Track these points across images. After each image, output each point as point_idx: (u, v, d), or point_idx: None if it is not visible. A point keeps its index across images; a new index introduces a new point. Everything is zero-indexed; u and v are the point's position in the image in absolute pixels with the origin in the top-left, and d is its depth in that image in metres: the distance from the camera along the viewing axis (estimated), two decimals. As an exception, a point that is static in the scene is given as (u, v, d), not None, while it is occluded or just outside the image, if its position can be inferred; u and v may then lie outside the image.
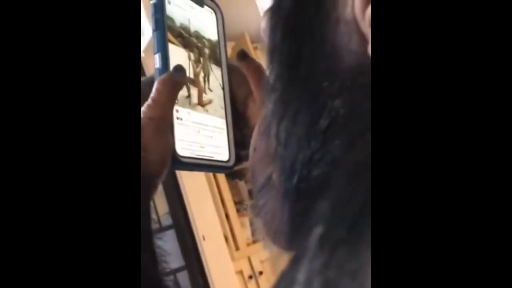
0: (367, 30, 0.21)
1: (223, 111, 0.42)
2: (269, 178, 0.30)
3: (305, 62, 0.24)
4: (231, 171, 0.42)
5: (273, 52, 0.26)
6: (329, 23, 0.23)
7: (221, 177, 1.38)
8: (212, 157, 0.39)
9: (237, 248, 1.40)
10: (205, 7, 0.42)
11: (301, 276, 0.17)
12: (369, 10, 0.21)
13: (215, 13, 0.43)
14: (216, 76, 0.42)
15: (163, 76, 0.35)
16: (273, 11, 0.25)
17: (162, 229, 1.27)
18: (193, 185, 1.27)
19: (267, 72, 0.26)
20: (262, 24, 0.27)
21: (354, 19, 0.22)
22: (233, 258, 1.35)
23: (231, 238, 1.37)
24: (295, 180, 0.24)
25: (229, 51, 1.42)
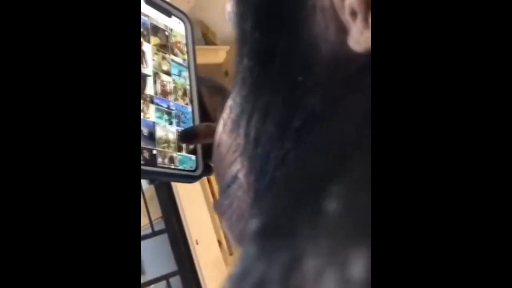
0: (346, 18, 0.20)
1: (190, 120, 0.41)
2: (235, 177, 0.28)
3: (278, 54, 0.22)
4: (198, 180, 0.41)
5: (242, 42, 0.23)
6: (304, 10, 0.21)
7: (215, 181, 1.37)
8: (177, 166, 0.39)
9: (230, 253, 1.39)
10: (173, 17, 0.43)
11: (238, 269, 0.16)
12: None
13: (184, 23, 0.44)
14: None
15: None
16: None
17: (155, 233, 1.26)
18: (186, 190, 1.26)
19: (236, 63, 0.24)
20: (228, 7, 0.25)
21: (332, 6, 0.20)
22: (226, 263, 1.34)
23: (224, 242, 1.37)
24: (267, 181, 0.23)
25: (224, 55, 1.42)
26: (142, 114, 0.37)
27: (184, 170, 0.39)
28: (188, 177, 0.40)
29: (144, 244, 1.37)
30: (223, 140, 0.30)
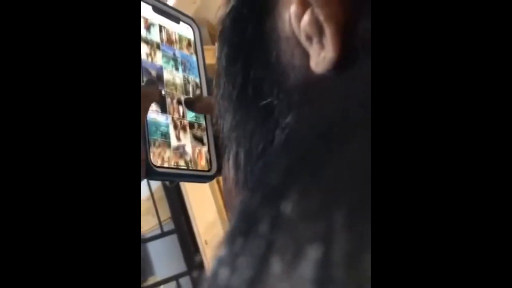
0: (306, 42, 0.22)
1: (203, 121, 0.43)
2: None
3: (250, 83, 0.24)
4: (212, 180, 0.42)
5: (220, 67, 0.26)
6: (271, 42, 0.23)
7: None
8: (191, 166, 0.40)
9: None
10: (181, 23, 0.44)
11: (209, 273, 0.17)
12: (303, 20, 0.21)
13: (192, 28, 0.45)
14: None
15: None
16: (220, 28, 0.25)
17: (164, 234, 1.26)
18: (196, 190, 1.27)
19: (218, 93, 0.26)
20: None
21: (293, 34, 0.22)
22: (235, 263, 1.35)
23: (233, 242, 1.37)
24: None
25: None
26: (149, 58, 0.39)
27: (198, 170, 0.40)
28: (203, 177, 0.41)
29: (153, 245, 1.37)
30: (227, 173, 0.32)
